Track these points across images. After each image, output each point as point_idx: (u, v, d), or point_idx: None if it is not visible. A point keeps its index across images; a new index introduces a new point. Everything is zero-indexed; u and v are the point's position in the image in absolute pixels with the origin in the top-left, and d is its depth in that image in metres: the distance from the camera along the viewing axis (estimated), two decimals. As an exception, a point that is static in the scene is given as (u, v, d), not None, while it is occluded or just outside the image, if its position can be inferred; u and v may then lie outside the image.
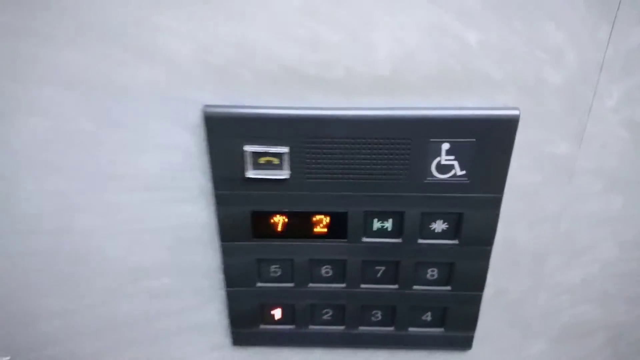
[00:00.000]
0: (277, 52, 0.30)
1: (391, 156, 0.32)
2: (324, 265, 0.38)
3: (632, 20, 0.29)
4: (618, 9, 0.28)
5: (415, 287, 0.38)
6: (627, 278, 0.39)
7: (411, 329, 0.40)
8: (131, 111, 0.32)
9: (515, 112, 0.30)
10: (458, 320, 0.39)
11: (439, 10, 0.28)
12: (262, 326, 0.40)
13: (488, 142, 0.31)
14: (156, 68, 0.30)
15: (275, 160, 0.33)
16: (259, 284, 0.38)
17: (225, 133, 0.32)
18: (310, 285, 0.38)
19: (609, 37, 0.29)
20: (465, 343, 0.41)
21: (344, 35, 0.29)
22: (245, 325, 0.40)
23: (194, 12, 0.28)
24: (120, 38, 0.29)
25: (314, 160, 0.33)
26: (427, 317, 0.40)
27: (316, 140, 0.32)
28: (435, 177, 0.33)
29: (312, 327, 0.40)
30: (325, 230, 0.36)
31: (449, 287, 0.38)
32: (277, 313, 0.40)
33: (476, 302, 0.38)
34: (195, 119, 0.32)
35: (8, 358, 0.44)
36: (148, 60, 0.30)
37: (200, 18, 0.29)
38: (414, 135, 0.31)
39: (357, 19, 0.29)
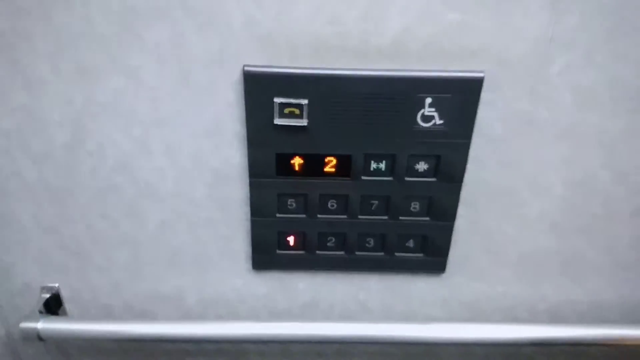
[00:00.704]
0: (306, 25, 0.39)
1: (388, 108, 0.42)
2: (330, 199, 0.47)
3: (568, 8, 0.39)
4: None
5: (401, 217, 0.48)
6: (573, 211, 0.49)
7: (397, 254, 0.50)
8: (194, 72, 0.40)
9: (481, 75, 0.40)
10: (434, 246, 0.50)
11: None
12: (278, 251, 0.50)
13: (460, 97, 0.41)
14: (213, 36, 0.39)
15: (297, 111, 0.42)
16: (278, 215, 0.48)
17: (260, 88, 0.41)
18: (319, 216, 0.48)
19: (554, 19, 0.39)
20: (440, 267, 0.51)
21: (358, 13, 0.39)
22: (264, 250, 0.50)
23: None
24: (191, 11, 0.38)
25: (327, 111, 0.42)
26: (410, 243, 0.50)
27: (330, 95, 0.41)
28: (421, 125, 0.42)
29: (319, 252, 0.50)
30: (333, 170, 0.45)
31: (427, 218, 0.48)
32: (291, 240, 0.49)
33: (449, 231, 0.49)
34: (237, 77, 0.41)
35: (57, 285, 0.53)
36: (209, 29, 0.39)
37: None
38: (405, 91, 0.41)
39: (368, 2, 0.38)
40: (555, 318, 0.56)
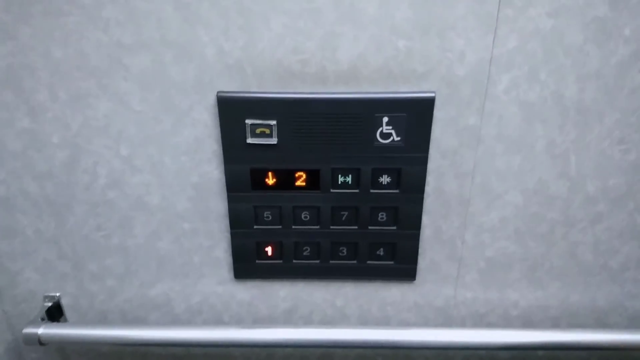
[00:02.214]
0: (271, 54, 0.43)
1: (349, 127, 0.46)
2: (303, 211, 0.51)
3: (506, 32, 0.42)
4: (497, 23, 0.42)
5: (370, 227, 0.51)
6: (532, 219, 0.52)
7: (369, 262, 0.53)
8: (174, 97, 0.45)
9: (432, 95, 0.44)
10: (404, 254, 0.53)
11: (379, 26, 0.42)
12: (258, 261, 0.54)
13: (414, 115, 0.45)
14: (190, 65, 0.44)
15: (267, 131, 0.46)
16: (256, 226, 0.52)
17: (233, 111, 0.45)
18: (294, 227, 0.52)
19: (493, 42, 0.43)
20: (410, 274, 0.54)
21: (317, 42, 0.43)
22: (244, 260, 0.54)
23: (216, 26, 0.42)
24: (170, 44, 0.43)
25: (294, 131, 0.46)
26: (381, 252, 0.53)
27: (296, 115, 0.45)
28: (380, 141, 0.46)
29: (295, 261, 0.54)
30: (304, 183, 0.49)
31: (395, 227, 0.51)
32: (269, 250, 0.53)
33: (416, 238, 0.52)
34: (212, 101, 0.45)
35: (58, 294, 0.57)
36: (186, 60, 0.43)
37: (220, 30, 0.42)
38: (364, 111, 0.45)
39: (325, 32, 0.43)
40: (528, 324, 0.58)
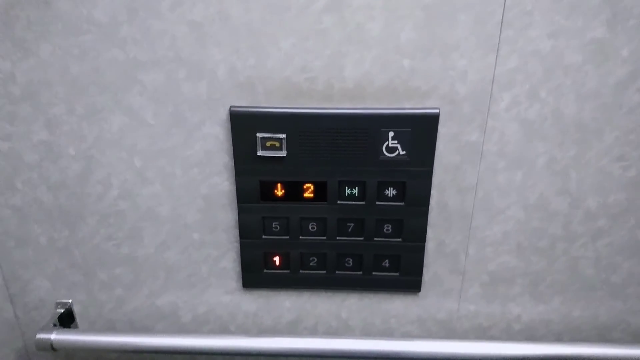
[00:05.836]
0: (280, 72, 0.45)
1: (356, 141, 0.47)
2: (310, 222, 0.52)
3: (508, 52, 0.44)
4: (499, 44, 0.44)
5: (375, 239, 0.52)
6: (534, 233, 0.53)
7: (375, 273, 0.54)
8: (186, 112, 0.47)
9: (436, 111, 0.46)
10: (408, 266, 0.54)
11: (384, 46, 0.44)
12: (265, 271, 0.55)
13: (420, 131, 0.47)
14: (203, 82, 0.46)
15: (277, 144, 0.48)
16: (264, 237, 0.53)
17: (244, 125, 0.47)
18: (301, 237, 0.53)
19: (495, 62, 0.45)
20: (415, 286, 0.55)
21: (324, 62, 0.45)
22: (252, 270, 0.55)
23: (228, 45, 0.44)
24: (184, 62, 0.45)
25: (303, 144, 0.48)
26: (386, 263, 0.54)
27: (305, 129, 0.47)
28: (386, 155, 0.48)
29: (302, 271, 0.55)
30: (311, 195, 0.51)
31: (400, 239, 0.52)
32: (277, 260, 0.54)
33: (421, 250, 0.53)
34: (224, 116, 0.47)
35: (70, 301, 0.59)
36: (198, 77, 0.45)
37: (232, 49, 0.44)
38: (370, 126, 0.47)
39: (332, 52, 0.45)
40: (530, 338, 0.59)
